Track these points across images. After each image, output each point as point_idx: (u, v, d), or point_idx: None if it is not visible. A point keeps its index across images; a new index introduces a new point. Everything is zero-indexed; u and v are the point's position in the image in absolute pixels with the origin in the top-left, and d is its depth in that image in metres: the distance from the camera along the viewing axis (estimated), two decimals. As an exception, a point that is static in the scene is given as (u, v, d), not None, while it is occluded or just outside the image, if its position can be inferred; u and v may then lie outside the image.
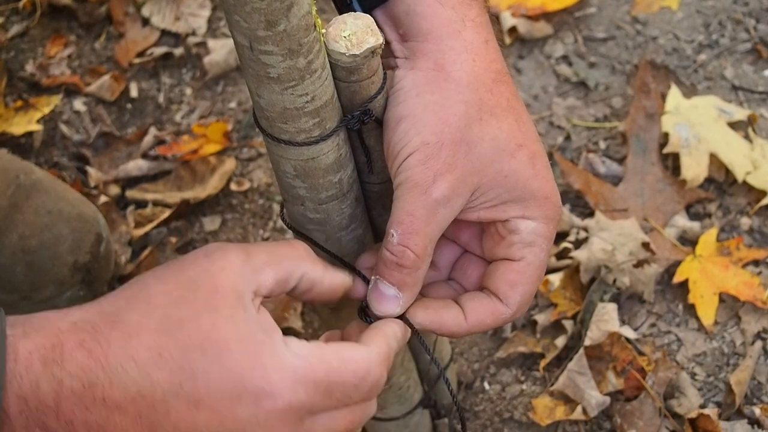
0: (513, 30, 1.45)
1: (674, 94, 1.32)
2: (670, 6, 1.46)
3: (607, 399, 1.07)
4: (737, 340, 1.14)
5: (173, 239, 1.30)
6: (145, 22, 1.54)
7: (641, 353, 1.12)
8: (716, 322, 1.16)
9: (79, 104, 1.46)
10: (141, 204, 1.34)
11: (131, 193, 1.35)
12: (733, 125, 1.29)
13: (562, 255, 1.20)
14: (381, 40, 0.64)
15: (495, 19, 0.74)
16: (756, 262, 1.19)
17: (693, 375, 1.12)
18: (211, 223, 1.32)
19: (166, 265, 0.63)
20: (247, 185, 1.35)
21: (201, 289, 0.61)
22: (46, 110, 1.42)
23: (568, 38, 1.45)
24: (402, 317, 0.70)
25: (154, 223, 1.30)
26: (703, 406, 1.08)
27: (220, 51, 1.47)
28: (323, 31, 0.63)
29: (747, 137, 1.29)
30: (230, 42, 1.46)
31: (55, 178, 1.19)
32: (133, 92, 1.47)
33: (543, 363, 1.13)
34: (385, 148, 0.69)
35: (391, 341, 0.67)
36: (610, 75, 1.41)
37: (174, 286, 0.61)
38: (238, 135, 1.41)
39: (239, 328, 0.60)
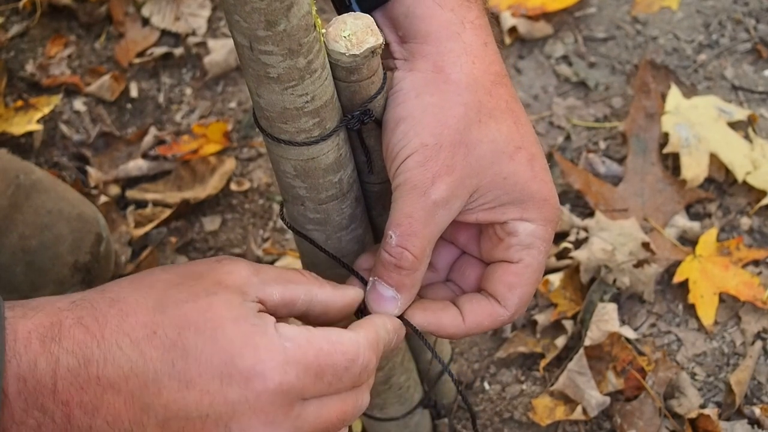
0: (513, 30, 1.45)
1: (674, 94, 1.32)
2: (670, 6, 1.46)
3: (607, 399, 1.07)
4: (737, 340, 1.14)
5: (173, 239, 1.30)
6: (145, 22, 1.54)
7: (641, 353, 1.12)
8: (716, 322, 1.16)
9: (79, 104, 1.46)
10: (141, 204, 1.34)
11: (131, 193, 1.35)
12: (733, 125, 1.29)
13: (562, 255, 1.20)
14: (381, 40, 0.64)
15: (494, 20, 0.74)
16: (756, 262, 1.20)
17: (693, 375, 1.12)
18: (211, 223, 1.32)
19: (176, 264, 0.64)
20: (247, 185, 1.35)
21: (204, 280, 0.62)
22: (46, 110, 1.42)
23: (568, 38, 1.45)
24: (401, 318, 0.71)
25: (154, 223, 1.30)
26: (703, 406, 1.08)
27: (220, 51, 1.47)
28: (323, 31, 0.63)
29: (747, 137, 1.29)
30: (230, 42, 1.46)
31: (55, 178, 1.19)
32: (133, 92, 1.47)
33: (543, 363, 1.13)
34: (384, 150, 0.69)
35: (380, 330, 0.67)
36: (610, 75, 1.41)
37: (178, 276, 0.63)
38: (238, 135, 1.41)
39: (234, 311, 0.60)
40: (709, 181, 1.26)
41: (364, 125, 0.68)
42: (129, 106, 1.47)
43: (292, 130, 0.65)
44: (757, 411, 1.06)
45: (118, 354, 0.58)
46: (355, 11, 0.67)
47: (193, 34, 1.52)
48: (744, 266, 1.18)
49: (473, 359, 1.16)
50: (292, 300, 0.65)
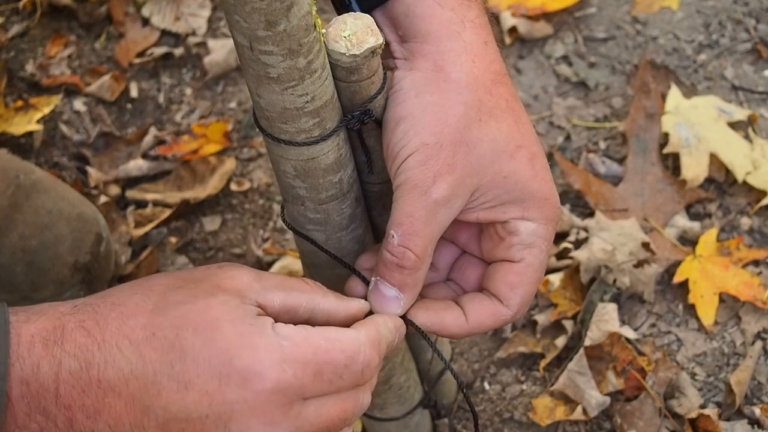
0: (513, 30, 1.45)
1: (674, 94, 1.32)
2: (670, 6, 1.46)
3: (607, 399, 1.07)
4: (737, 340, 1.14)
5: (173, 239, 1.30)
6: (145, 22, 1.54)
7: (641, 353, 1.12)
8: (716, 322, 1.16)
9: (79, 104, 1.46)
10: (141, 204, 1.34)
11: (131, 193, 1.35)
12: (733, 125, 1.29)
13: (562, 255, 1.20)
14: (381, 40, 0.64)
15: (494, 19, 0.74)
16: (756, 262, 1.20)
17: (693, 375, 1.12)
18: (211, 223, 1.32)
19: (178, 270, 0.64)
20: (247, 185, 1.35)
21: (204, 283, 0.62)
22: (46, 110, 1.42)
23: (568, 38, 1.45)
24: (404, 318, 0.71)
25: (154, 223, 1.30)
26: (703, 406, 1.08)
27: (220, 51, 1.47)
28: (323, 31, 0.63)
29: (747, 137, 1.29)
30: (230, 42, 1.46)
31: (55, 178, 1.19)
32: (133, 92, 1.47)
33: (543, 363, 1.13)
34: (385, 149, 0.69)
35: (381, 328, 0.67)
36: (610, 75, 1.41)
37: (179, 280, 0.63)
38: (238, 135, 1.41)
39: (232, 312, 0.60)
40: (709, 181, 1.26)
41: (364, 125, 0.68)
42: (129, 106, 1.47)
43: (292, 130, 0.65)
44: (757, 411, 1.06)
45: (118, 356, 0.58)
46: (355, 11, 0.67)
47: (193, 34, 1.52)
48: (744, 266, 1.18)
49: (473, 359, 1.16)
50: (293, 307, 0.65)
